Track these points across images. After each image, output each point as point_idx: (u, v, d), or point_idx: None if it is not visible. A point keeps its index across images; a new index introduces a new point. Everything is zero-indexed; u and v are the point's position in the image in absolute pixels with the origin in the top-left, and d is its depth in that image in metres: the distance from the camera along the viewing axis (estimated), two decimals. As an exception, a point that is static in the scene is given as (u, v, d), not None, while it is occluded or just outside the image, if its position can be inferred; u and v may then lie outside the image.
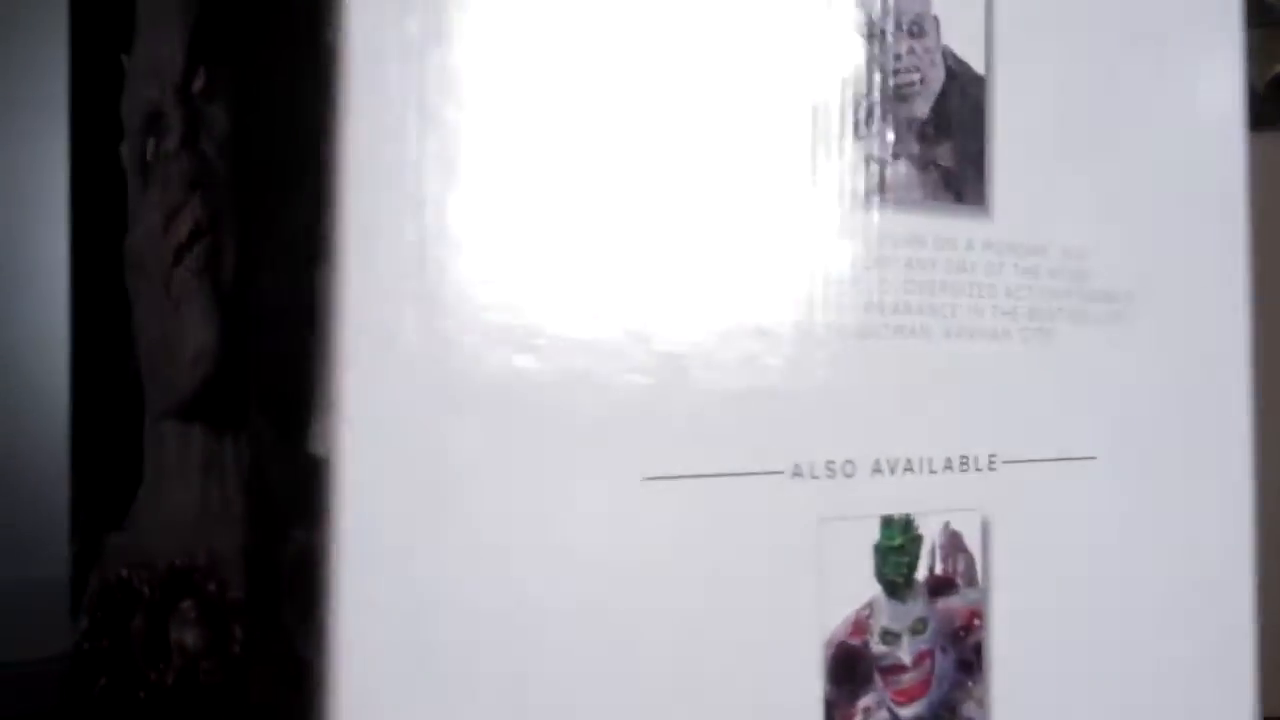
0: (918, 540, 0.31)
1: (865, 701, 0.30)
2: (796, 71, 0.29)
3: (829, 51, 0.30)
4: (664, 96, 0.28)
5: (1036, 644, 0.33)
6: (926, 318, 0.31)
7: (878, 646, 0.31)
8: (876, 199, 0.30)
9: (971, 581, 0.32)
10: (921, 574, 0.31)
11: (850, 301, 0.30)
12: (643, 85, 0.27)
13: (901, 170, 0.31)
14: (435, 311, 0.25)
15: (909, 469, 0.31)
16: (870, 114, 0.30)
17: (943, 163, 0.31)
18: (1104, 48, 0.34)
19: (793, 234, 0.29)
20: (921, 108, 0.31)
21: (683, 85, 0.28)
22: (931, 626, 0.31)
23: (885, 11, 0.30)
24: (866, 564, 0.30)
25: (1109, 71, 0.34)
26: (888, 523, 0.31)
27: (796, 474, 0.29)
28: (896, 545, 0.31)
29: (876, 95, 0.30)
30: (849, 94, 0.30)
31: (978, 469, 0.32)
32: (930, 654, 0.31)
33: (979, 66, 0.32)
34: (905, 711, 0.31)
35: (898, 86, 0.31)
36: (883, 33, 0.30)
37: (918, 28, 0.31)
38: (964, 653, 0.32)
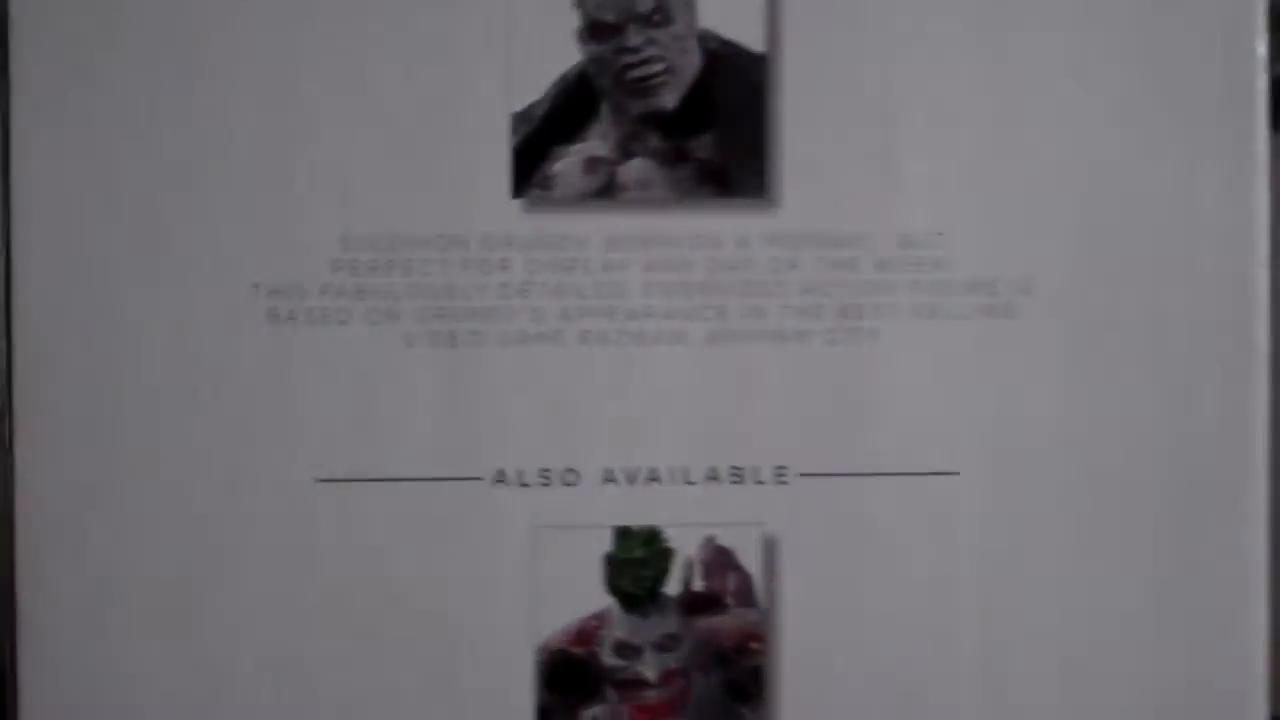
0: (666, 554, 0.30)
1: (592, 712, 0.30)
2: (499, 82, 0.29)
3: (537, 59, 0.29)
4: (355, 102, 0.29)
5: (834, 676, 0.30)
6: (679, 322, 0.30)
7: (610, 659, 0.30)
8: (603, 202, 0.29)
9: (746, 601, 0.30)
10: (673, 589, 0.30)
11: (574, 308, 0.30)
12: (326, 91, 0.29)
13: (638, 168, 0.30)
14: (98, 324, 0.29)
15: (654, 479, 0.30)
16: (591, 115, 0.29)
17: (700, 155, 0.30)
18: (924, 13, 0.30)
19: (496, 241, 0.30)
20: (669, 99, 0.30)
21: (376, 94, 0.29)
22: (687, 645, 0.30)
23: (612, 5, 0.29)
24: (594, 574, 0.30)
25: (942, 43, 0.30)
26: (624, 534, 0.30)
27: (500, 481, 0.30)
28: (635, 558, 0.30)
29: (602, 94, 0.29)
30: (564, 98, 0.29)
31: (758, 481, 0.30)
32: (683, 673, 0.30)
33: (757, 45, 0.30)
34: (649, 728, 0.30)
35: (634, 80, 0.29)
36: (612, 27, 0.29)
37: (661, 15, 0.29)
38: (736, 676, 0.30)
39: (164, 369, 0.29)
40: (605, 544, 0.30)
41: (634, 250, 0.30)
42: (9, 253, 0.29)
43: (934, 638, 0.30)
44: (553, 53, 0.29)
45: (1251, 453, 0.30)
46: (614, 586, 0.30)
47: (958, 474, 0.30)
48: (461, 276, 0.29)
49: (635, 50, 0.29)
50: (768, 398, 0.30)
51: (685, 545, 0.30)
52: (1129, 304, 0.30)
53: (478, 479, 0.30)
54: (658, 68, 0.29)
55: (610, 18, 0.29)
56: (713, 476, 0.30)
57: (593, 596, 0.30)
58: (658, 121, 0.29)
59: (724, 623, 0.30)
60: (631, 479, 0.30)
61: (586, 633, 0.30)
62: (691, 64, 0.29)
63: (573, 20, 0.29)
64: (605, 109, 0.29)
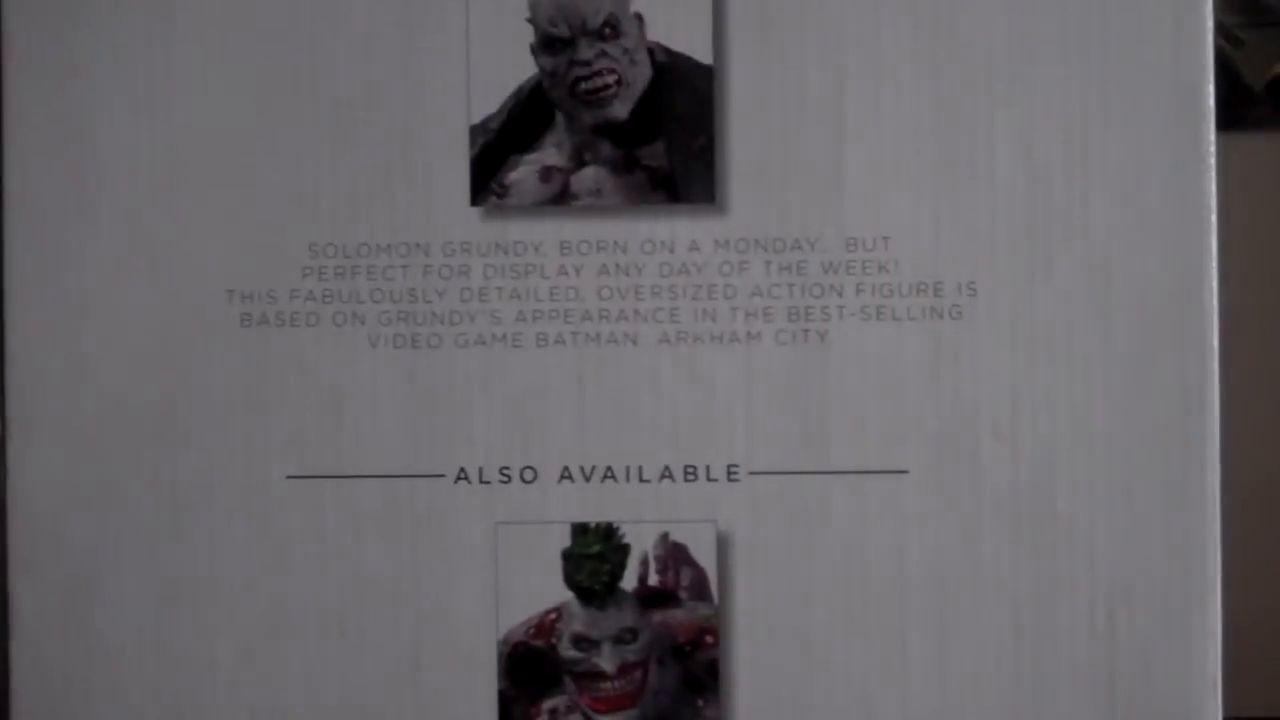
0: (623, 549, 0.31)
1: (552, 703, 0.31)
2: (457, 95, 0.31)
3: (494, 73, 0.31)
4: (322, 117, 0.31)
5: (787, 669, 0.31)
6: (632, 324, 0.31)
7: (569, 651, 0.31)
8: (557, 209, 0.31)
9: (700, 595, 0.31)
10: (630, 583, 0.31)
11: (531, 311, 0.31)
12: (295, 107, 0.31)
13: (590, 176, 0.31)
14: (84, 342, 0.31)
15: (609, 477, 0.31)
16: (545, 125, 0.31)
17: (650, 163, 0.31)
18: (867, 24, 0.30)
19: (456, 248, 0.31)
20: (620, 110, 0.31)
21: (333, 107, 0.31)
22: (644, 638, 0.31)
23: (564, 20, 0.31)
24: (553, 569, 0.31)
25: (885, 52, 0.31)
26: (582, 530, 0.31)
27: (461, 478, 0.31)
28: (594, 553, 0.31)
29: (556, 105, 0.31)
30: (520, 109, 0.31)
31: (711, 479, 0.31)
32: (640, 665, 0.31)
33: (704, 57, 0.31)
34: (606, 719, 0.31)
35: (586, 92, 0.31)
36: (564, 41, 0.31)
37: (611, 29, 0.31)
38: (692, 669, 0.31)
39: (143, 372, 0.31)
40: (563, 540, 0.31)
41: (588, 255, 0.31)
42: (1, 262, 0.31)
43: (884, 632, 0.31)
44: (509, 66, 0.31)
45: (1204, 452, 0.31)
46: (572, 581, 0.31)
47: (907, 472, 0.31)
48: (423, 281, 0.31)
49: (587, 63, 0.31)
50: (719, 398, 0.31)
51: (641, 541, 0.31)
52: (1075, 305, 0.30)
53: (440, 476, 0.31)
54: (609, 79, 0.31)
55: (563, 32, 0.30)
56: (667, 474, 0.31)
57: (551, 590, 0.31)
58: (610, 131, 0.31)
59: (679, 616, 0.31)
60: (588, 477, 0.31)
61: (546, 626, 0.31)
62: (642, 76, 0.31)
63: (527, 35, 0.30)
64: (559, 119, 0.31)
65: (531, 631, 0.31)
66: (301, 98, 0.31)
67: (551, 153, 0.31)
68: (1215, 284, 0.31)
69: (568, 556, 0.31)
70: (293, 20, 0.31)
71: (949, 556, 0.31)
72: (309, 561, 0.31)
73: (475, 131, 0.31)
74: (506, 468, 0.31)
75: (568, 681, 0.31)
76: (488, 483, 0.31)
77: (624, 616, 0.31)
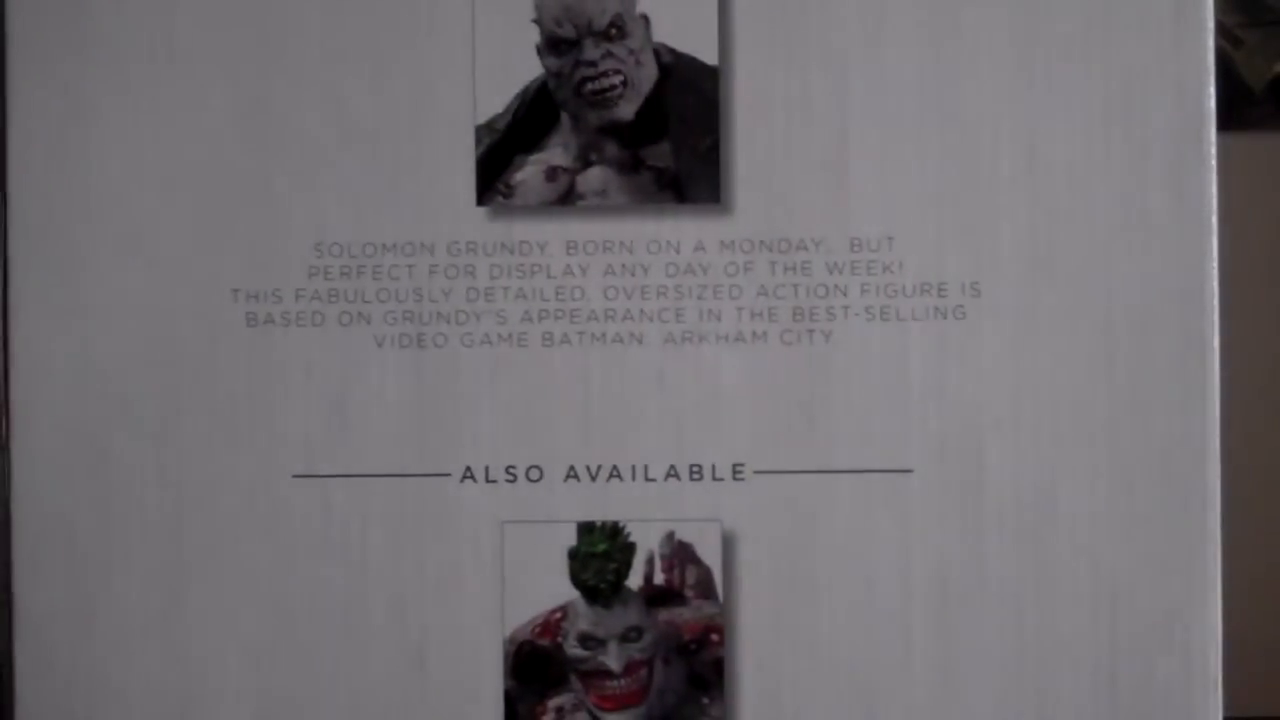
0: (628, 548, 0.31)
1: (557, 701, 0.31)
2: (463, 95, 0.31)
3: (500, 73, 0.31)
4: (328, 116, 0.31)
5: (791, 667, 0.31)
6: (637, 324, 0.31)
7: (574, 650, 0.31)
8: (563, 209, 0.31)
9: (706, 594, 0.31)
10: (636, 582, 0.31)
11: (537, 311, 0.31)
12: (301, 106, 0.31)
13: (596, 176, 0.31)
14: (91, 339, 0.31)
15: (615, 476, 0.31)
16: (551, 125, 0.31)
17: (656, 164, 0.31)
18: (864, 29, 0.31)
19: (462, 248, 0.31)
20: (626, 110, 0.31)
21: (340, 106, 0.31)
22: (650, 636, 0.31)
23: (570, 21, 0.31)
24: (559, 568, 0.31)
25: (890, 53, 0.31)
26: (588, 529, 0.31)
27: (467, 477, 0.31)
28: (599, 551, 0.31)
29: (562, 105, 0.31)
30: (526, 110, 0.31)
31: (716, 478, 0.31)
32: (646, 664, 0.31)
33: (710, 58, 0.31)
34: (612, 718, 0.31)
35: (592, 93, 0.31)
36: (570, 42, 0.31)
37: (617, 29, 0.31)
38: (697, 667, 0.31)
39: (149, 372, 0.31)
40: (569, 539, 0.31)
41: (594, 255, 0.31)
42: (5, 262, 0.31)
43: (888, 630, 0.31)
44: (514, 67, 0.31)
45: (1204, 451, 0.31)
46: (578, 580, 0.31)
47: (910, 471, 0.31)
48: (428, 281, 0.31)
49: (593, 64, 0.31)
50: (724, 397, 0.31)
51: (646, 540, 0.31)
52: (1077, 305, 0.31)
53: (446, 475, 0.31)
54: (615, 80, 0.31)
55: (569, 33, 0.31)
56: (672, 473, 0.31)
57: (557, 589, 0.31)
58: (615, 131, 0.31)
59: (685, 615, 0.31)
60: (594, 476, 0.31)
61: (551, 624, 0.31)
62: (647, 76, 0.31)
63: (533, 35, 0.31)
64: (565, 120, 0.31)
65: (537, 630, 0.31)
66: (307, 97, 0.31)
67: (557, 153, 0.31)
68: (1215, 284, 0.31)
69: (573, 555, 0.31)
70: (298, 19, 0.31)
71: (952, 555, 0.31)
72: (315, 561, 0.31)
73: (481, 131, 0.31)
74: (512, 467, 0.31)
75: (573, 680, 0.31)
76: (493, 482, 0.31)
77: (630, 615, 0.31)
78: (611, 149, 0.31)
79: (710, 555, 0.31)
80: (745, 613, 0.31)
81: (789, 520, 0.31)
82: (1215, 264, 0.31)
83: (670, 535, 0.31)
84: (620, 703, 0.31)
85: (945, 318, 0.31)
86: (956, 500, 0.31)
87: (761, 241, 0.31)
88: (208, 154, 0.31)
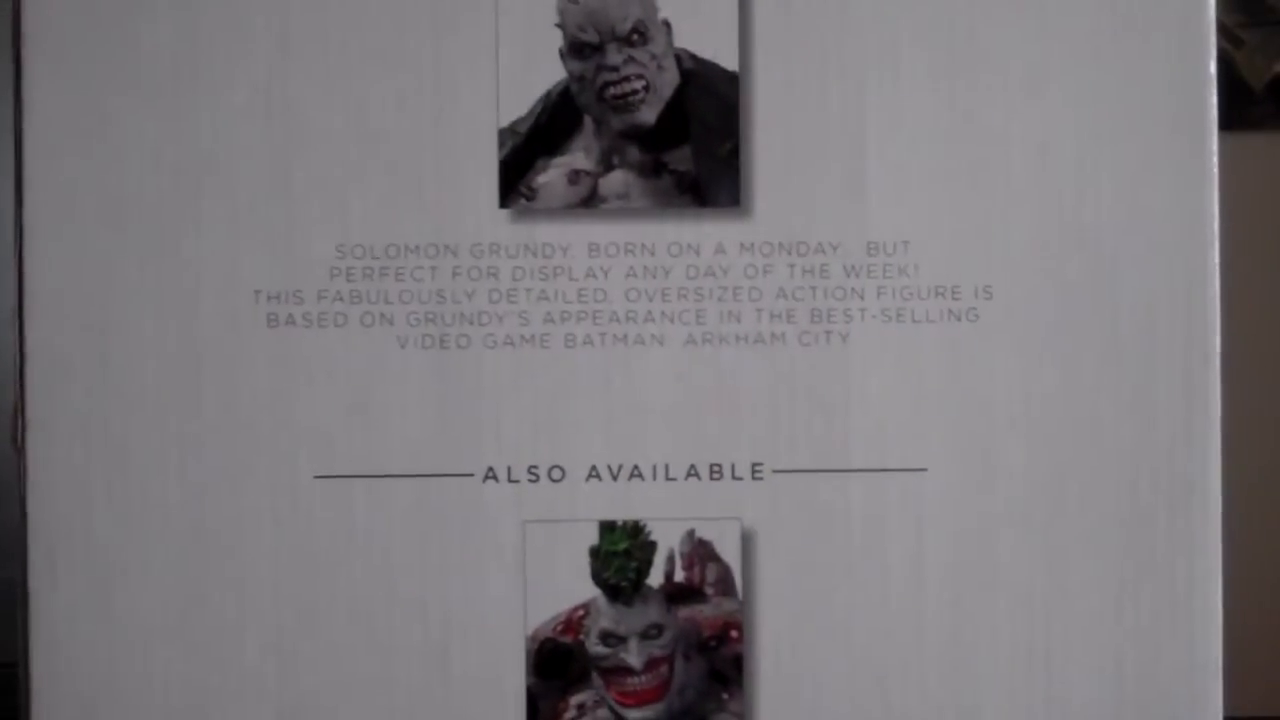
0: (649, 546, 0.31)
1: (579, 698, 0.31)
2: (486, 98, 0.31)
3: (523, 77, 0.31)
4: (351, 119, 0.31)
5: (810, 663, 0.32)
6: (658, 325, 0.31)
7: (596, 647, 0.31)
8: (585, 212, 0.31)
9: (726, 591, 0.32)
10: (656, 580, 0.32)
11: (559, 313, 0.31)
12: (324, 109, 0.31)
13: (618, 179, 0.31)
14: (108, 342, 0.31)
15: (636, 475, 0.31)
16: (573, 129, 0.31)
17: (677, 167, 0.31)
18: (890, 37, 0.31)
19: (484, 249, 0.31)
20: (647, 115, 0.31)
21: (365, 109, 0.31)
22: (670, 633, 0.32)
23: (592, 26, 0.31)
24: (581, 566, 0.31)
25: (906, 61, 0.31)
26: (609, 527, 0.31)
27: (490, 477, 0.31)
28: (620, 550, 0.31)
29: (584, 109, 0.31)
30: (549, 113, 0.31)
31: (736, 477, 0.31)
32: (666, 660, 0.32)
33: (731, 64, 0.31)
34: (633, 714, 0.32)
35: (614, 97, 0.31)
36: (593, 47, 0.31)
37: (639, 35, 0.31)
38: (717, 664, 0.32)
39: (169, 372, 0.31)
40: (591, 537, 0.31)
41: (616, 258, 0.31)
42: (21, 263, 0.31)
43: (904, 626, 0.31)
44: (537, 71, 0.31)
45: (1206, 448, 0.32)
46: (599, 578, 0.31)
47: (925, 470, 0.32)
48: (451, 283, 0.31)
49: (615, 69, 0.31)
50: (744, 398, 0.31)
51: (667, 538, 0.31)
52: (1086, 307, 0.32)
53: (468, 475, 0.31)
54: (637, 85, 0.31)
55: (592, 38, 0.31)
56: (693, 473, 0.31)
57: (579, 588, 0.31)
58: (637, 135, 0.31)
59: (705, 612, 0.32)
60: (615, 475, 0.31)
61: (574, 622, 0.31)
62: (669, 81, 0.31)
63: (556, 40, 0.31)
64: (587, 124, 0.31)
65: (559, 628, 0.31)
66: (330, 99, 0.31)
67: (580, 156, 0.31)
68: (1217, 285, 0.32)
69: (595, 554, 0.31)
70: (322, 22, 0.31)
71: (966, 551, 0.32)
72: (337, 561, 0.31)
73: (504, 134, 0.31)
74: (534, 467, 0.31)
75: (595, 677, 0.31)
76: (516, 482, 0.31)
77: (650, 612, 0.31)
78: (633, 153, 0.31)
79: (730, 553, 0.31)
80: (764, 609, 0.32)
81: (807, 518, 0.31)
82: (1216, 264, 0.32)
83: (690, 533, 0.31)
84: (641, 699, 0.31)
85: (959, 320, 0.31)
86: (969, 497, 0.31)
87: (780, 244, 0.31)
88: (229, 155, 0.31)
